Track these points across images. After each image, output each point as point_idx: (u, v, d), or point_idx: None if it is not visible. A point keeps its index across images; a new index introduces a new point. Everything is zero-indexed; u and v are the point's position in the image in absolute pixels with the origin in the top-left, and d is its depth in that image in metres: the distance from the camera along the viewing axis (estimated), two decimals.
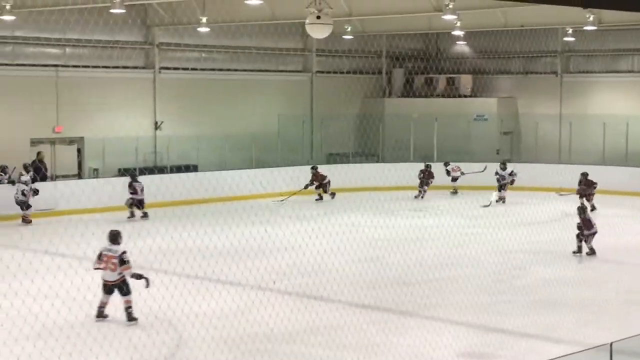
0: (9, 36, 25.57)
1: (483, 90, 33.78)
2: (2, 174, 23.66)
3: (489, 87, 33.94)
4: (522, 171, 27.04)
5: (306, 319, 12.96)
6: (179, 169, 25.14)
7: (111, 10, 20.38)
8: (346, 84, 33.05)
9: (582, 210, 18.21)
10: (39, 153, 25.20)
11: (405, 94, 34.92)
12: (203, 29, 26.32)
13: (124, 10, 20.42)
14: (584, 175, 24.57)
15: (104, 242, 13.22)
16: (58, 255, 16.56)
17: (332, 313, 13.42)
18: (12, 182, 22.90)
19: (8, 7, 20.86)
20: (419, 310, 13.80)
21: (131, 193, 23.19)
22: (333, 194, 27.21)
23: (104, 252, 13.06)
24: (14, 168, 23.80)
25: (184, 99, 29.33)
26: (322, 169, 27.72)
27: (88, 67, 27.28)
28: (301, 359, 11.44)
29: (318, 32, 17.27)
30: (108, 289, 12.98)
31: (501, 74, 34.98)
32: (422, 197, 27.54)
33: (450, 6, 21.60)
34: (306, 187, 26.40)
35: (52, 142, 26.65)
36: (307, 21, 17.11)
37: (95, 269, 13.18)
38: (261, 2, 21.66)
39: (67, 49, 27.00)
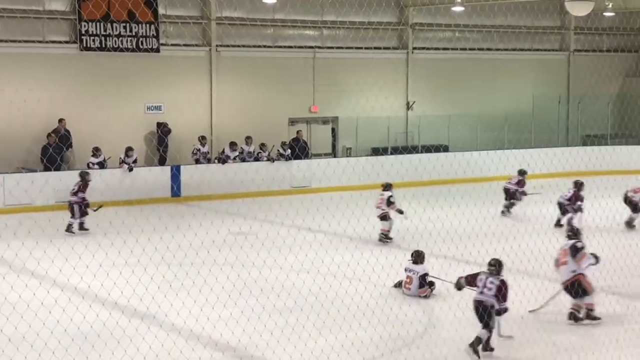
0: (269, 19, 26.65)
1: None
2: (262, 151, 24.78)
3: None
4: None
5: None
6: (429, 149, 25.13)
7: None
8: (606, 62, 31.56)
9: None
10: (298, 132, 26.11)
11: None
12: (457, 9, 26.11)
13: None
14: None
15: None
16: (320, 232, 17.09)
17: None
18: (270, 160, 23.89)
19: None
20: None
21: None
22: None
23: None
24: (273, 146, 24.86)
25: (436, 78, 29.29)
26: None
27: (343, 48, 27.90)
28: None
29: (579, 9, 16.74)
30: None
31: None
32: None
33: None
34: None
35: (308, 121, 27.56)
36: None
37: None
38: None
39: (324, 31, 27.75)
